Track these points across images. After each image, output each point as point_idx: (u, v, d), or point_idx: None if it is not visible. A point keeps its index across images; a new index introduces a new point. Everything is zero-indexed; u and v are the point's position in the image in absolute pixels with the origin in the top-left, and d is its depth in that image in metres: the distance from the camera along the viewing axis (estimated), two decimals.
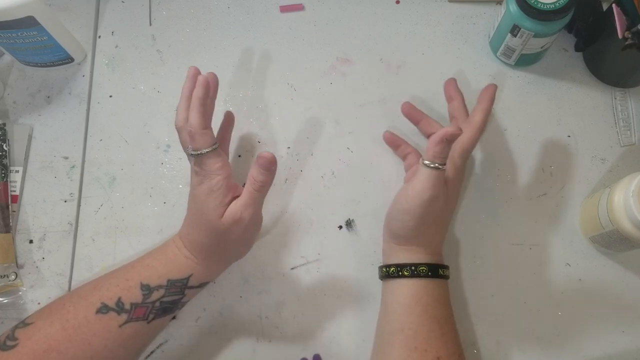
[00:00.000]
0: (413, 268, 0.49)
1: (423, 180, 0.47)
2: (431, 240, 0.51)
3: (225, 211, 0.48)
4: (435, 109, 0.63)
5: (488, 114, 0.54)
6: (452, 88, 0.59)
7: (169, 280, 0.49)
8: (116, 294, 0.47)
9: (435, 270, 0.49)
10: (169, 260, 0.50)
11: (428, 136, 0.58)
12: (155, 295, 0.48)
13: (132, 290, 0.48)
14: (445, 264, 0.52)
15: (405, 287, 0.49)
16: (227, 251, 0.52)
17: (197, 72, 0.52)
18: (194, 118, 0.48)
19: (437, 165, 0.47)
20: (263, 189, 0.49)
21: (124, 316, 0.47)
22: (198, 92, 0.49)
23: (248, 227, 0.50)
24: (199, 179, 0.49)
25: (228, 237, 0.49)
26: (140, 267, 0.49)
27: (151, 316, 0.48)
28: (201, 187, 0.48)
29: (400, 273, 0.49)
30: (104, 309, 0.47)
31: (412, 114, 0.59)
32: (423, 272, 0.49)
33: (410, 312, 0.48)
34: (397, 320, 0.48)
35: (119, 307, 0.47)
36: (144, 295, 0.48)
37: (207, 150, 0.48)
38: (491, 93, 0.55)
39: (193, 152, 0.48)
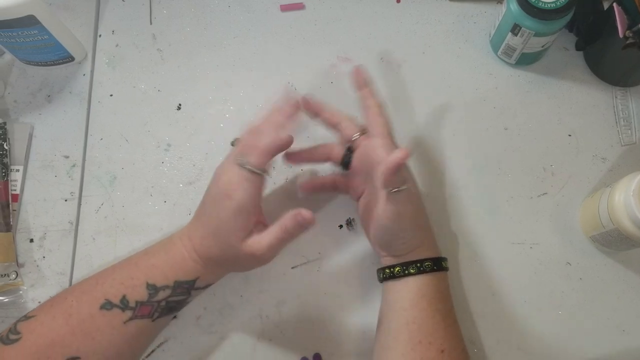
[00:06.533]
0: (419, 265, 0.49)
1: (397, 203, 0.48)
2: (427, 236, 0.52)
3: (246, 236, 0.48)
4: (436, 108, 0.63)
5: (381, 108, 0.53)
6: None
7: (175, 281, 0.48)
8: (120, 292, 0.47)
9: (439, 264, 0.50)
10: (176, 262, 0.49)
11: (333, 126, 0.55)
12: (162, 295, 0.48)
13: (137, 288, 0.47)
14: (443, 255, 0.52)
15: (412, 284, 0.49)
16: (236, 267, 0.53)
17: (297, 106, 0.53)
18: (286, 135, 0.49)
19: (400, 188, 0.47)
20: (292, 238, 0.49)
21: (129, 313, 0.47)
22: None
23: (264, 262, 0.50)
24: (233, 189, 0.47)
25: (241, 260, 0.50)
26: (145, 266, 0.49)
27: (156, 315, 0.48)
28: (231, 201, 0.47)
29: (406, 272, 0.49)
30: (107, 305, 0.47)
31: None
32: (428, 267, 0.49)
33: (415, 306, 0.48)
34: (402, 315, 0.49)
35: (124, 304, 0.47)
36: (149, 294, 0.48)
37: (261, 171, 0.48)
38: (362, 80, 0.54)
39: (255, 169, 0.47)
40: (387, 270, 0.51)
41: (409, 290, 0.49)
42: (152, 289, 0.48)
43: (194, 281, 0.49)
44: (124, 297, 0.47)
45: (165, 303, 0.48)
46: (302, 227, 0.48)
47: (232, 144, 0.52)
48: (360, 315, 0.56)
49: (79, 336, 0.45)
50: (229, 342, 0.55)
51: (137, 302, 0.47)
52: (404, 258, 0.50)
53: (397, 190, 0.47)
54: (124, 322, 0.47)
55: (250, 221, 0.48)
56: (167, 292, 0.48)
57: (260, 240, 0.48)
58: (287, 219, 0.48)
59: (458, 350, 0.48)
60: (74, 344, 0.45)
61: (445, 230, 0.58)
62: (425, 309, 0.48)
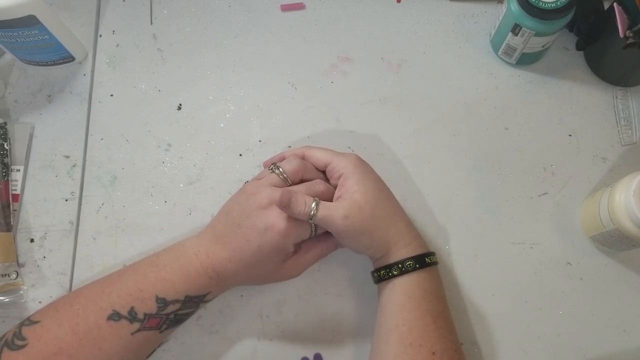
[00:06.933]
0: (400, 265, 0.49)
1: (325, 226, 0.49)
2: (399, 235, 0.51)
3: (283, 263, 0.50)
4: (436, 108, 0.63)
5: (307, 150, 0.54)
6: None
7: (186, 296, 0.48)
8: (129, 303, 0.46)
9: (421, 261, 0.49)
10: (190, 277, 0.48)
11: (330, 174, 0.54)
12: (171, 308, 0.48)
13: (146, 301, 0.47)
14: (430, 250, 0.51)
15: (397, 286, 0.49)
16: (256, 283, 0.53)
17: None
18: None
19: (311, 217, 0.48)
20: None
21: (137, 325, 0.46)
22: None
23: (293, 278, 0.53)
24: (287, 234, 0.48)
25: (268, 280, 0.52)
26: (155, 279, 0.48)
27: (164, 326, 0.48)
28: (277, 238, 0.47)
29: (390, 274, 0.49)
30: (115, 316, 0.46)
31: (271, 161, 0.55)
32: (410, 266, 0.49)
33: (403, 308, 0.48)
34: (392, 318, 0.48)
35: (132, 316, 0.46)
36: (159, 307, 0.47)
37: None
38: (276, 158, 0.55)
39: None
40: (376, 274, 0.51)
41: (396, 292, 0.49)
42: (162, 302, 0.47)
43: (204, 295, 0.49)
44: (132, 308, 0.46)
45: (174, 316, 0.48)
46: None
47: (273, 169, 0.51)
48: (360, 315, 0.56)
49: (85, 346, 0.45)
50: (229, 342, 0.55)
51: (145, 315, 0.47)
52: (383, 261, 0.50)
53: (310, 218, 0.48)
54: (132, 334, 0.46)
55: (292, 250, 0.50)
56: (177, 305, 0.48)
57: (297, 265, 0.51)
58: (330, 245, 0.52)
59: (450, 352, 0.48)
60: (80, 354, 0.45)
61: (445, 230, 0.58)
62: (414, 310, 0.48)
